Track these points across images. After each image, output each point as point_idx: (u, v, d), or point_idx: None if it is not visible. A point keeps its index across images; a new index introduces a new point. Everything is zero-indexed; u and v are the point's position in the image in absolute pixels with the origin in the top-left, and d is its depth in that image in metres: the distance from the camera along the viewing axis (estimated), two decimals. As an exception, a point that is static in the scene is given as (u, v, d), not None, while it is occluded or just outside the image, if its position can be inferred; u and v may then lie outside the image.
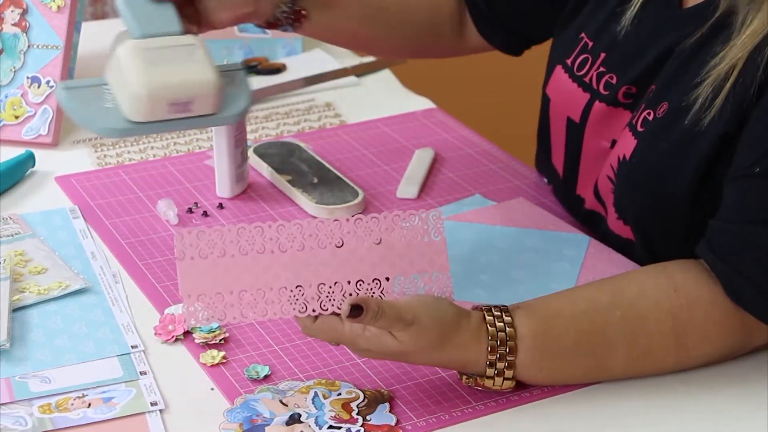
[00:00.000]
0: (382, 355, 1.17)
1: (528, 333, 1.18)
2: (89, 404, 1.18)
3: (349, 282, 1.16)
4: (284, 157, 1.63)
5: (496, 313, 1.18)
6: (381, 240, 1.17)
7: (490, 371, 1.17)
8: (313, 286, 1.15)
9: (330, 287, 1.15)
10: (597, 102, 1.40)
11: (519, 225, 1.45)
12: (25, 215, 1.51)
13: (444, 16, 1.58)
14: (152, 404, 1.19)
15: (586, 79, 1.42)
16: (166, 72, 1.25)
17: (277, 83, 1.87)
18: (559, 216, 1.51)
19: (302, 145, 1.66)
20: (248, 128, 1.71)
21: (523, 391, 1.21)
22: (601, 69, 1.40)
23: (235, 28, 1.93)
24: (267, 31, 1.93)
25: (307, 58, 1.96)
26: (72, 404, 1.19)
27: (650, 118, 1.31)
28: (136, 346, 1.27)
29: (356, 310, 1.11)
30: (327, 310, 1.15)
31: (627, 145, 1.33)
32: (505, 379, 1.18)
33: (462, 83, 2.65)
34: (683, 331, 1.20)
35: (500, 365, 1.17)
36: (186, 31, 1.28)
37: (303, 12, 1.42)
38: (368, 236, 1.17)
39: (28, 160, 1.62)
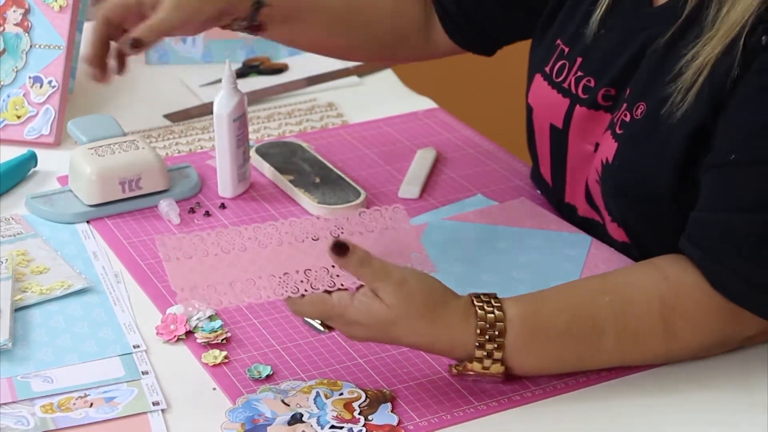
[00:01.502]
0: (371, 330, 1.16)
1: (517, 316, 1.17)
2: (91, 404, 1.18)
3: (333, 266, 1.17)
4: (286, 157, 1.63)
5: (484, 299, 1.18)
6: (353, 233, 1.20)
7: (479, 353, 1.17)
8: (300, 272, 1.18)
9: (316, 271, 1.18)
10: (578, 106, 1.40)
11: (521, 225, 1.45)
12: (26, 215, 1.51)
13: (408, 20, 1.58)
14: (154, 404, 1.19)
15: (565, 85, 1.42)
16: (112, 158, 1.52)
17: (279, 83, 1.87)
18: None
19: (304, 144, 1.66)
20: (250, 128, 1.71)
21: (524, 390, 1.21)
22: (579, 73, 1.41)
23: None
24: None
25: (309, 58, 1.95)
26: (74, 404, 1.19)
27: (627, 119, 1.31)
28: (138, 346, 1.27)
29: (342, 248, 1.13)
30: (318, 289, 1.17)
31: (609, 148, 1.33)
32: (494, 360, 1.17)
33: (464, 83, 2.65)
34: (671, 316, 1.19)
35: (489, 346, 1.17)
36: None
37: (261, 26, 1.45)
38: (342, 231, 1.20)
39: (30, 160, 1.62)
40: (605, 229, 1.40)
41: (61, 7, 1.71)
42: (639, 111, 1.29)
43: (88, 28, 1.87)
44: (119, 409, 1.18)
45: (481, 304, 1.17)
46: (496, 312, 1.17)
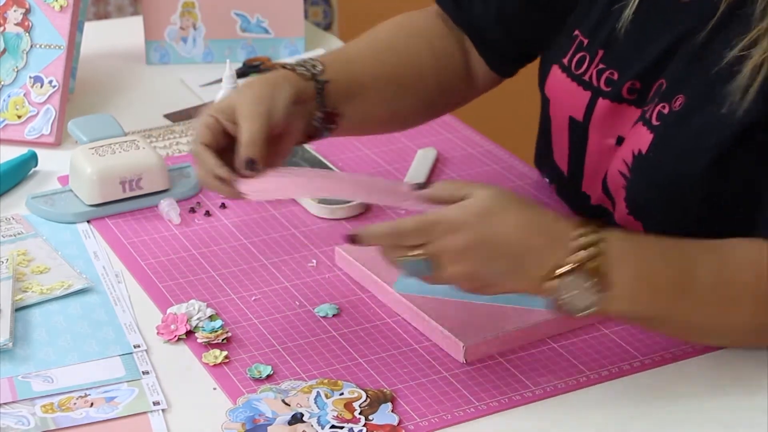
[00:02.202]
0: (469, 230, 1.15)
1: (619, 231, 1.20)
2: (92, 404, 1.18)
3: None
4: (287, 156, 1.62)
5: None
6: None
7: (581, 240, 1.15)
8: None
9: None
10: (600, 99, 1.39)
11: None
12: (27, 215, 1.51)
13: (451, 71, 1.54)
14: (155, 404, 1.19)
15: (586, 78, 1.41)
16: (113, 158, 1.52)
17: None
18: (562, 210, 1.51)
19: (304, 144, 1.65)
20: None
21: (524, 390, 1.21)
22: (600, 66, 1.40)
23: (238, 27, 1.94)
24: (270, 30, 1.94)
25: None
26: (74, 404, 1.19)
27: (666, 111, 1.31)
28: (139, 346, 1.27)
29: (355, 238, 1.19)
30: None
31: (642, 139, 1.32)
32: (592, 262, 1.14)
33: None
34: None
35: (592, 237, 1.16)
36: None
37: (335, 111, 1.40)
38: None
39: (31, 159, 1.62)
40: (613, 218, 1.40)
41: (61, 6, 1.71)
42: (678, 103, 1.29)
43: (89, 28, 1.89)
44: (119, 409, 1.18)
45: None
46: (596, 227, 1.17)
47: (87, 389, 1.21)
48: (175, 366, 1.25)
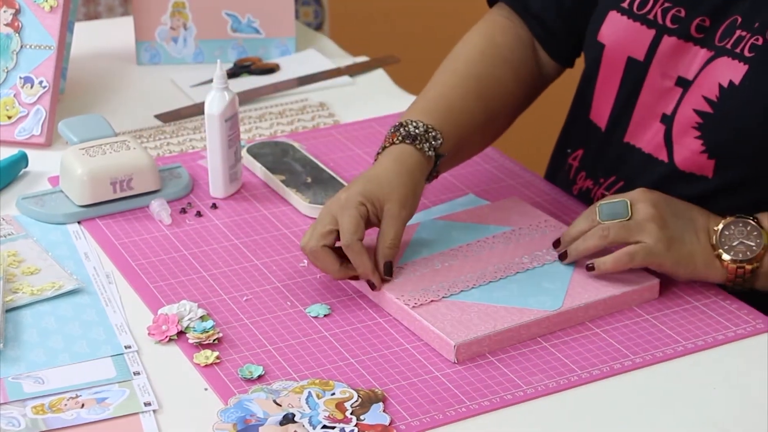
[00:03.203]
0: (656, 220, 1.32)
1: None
2: (82, 405, 1.18)
3: (514, 258, 1.38)
4: (278, 156, 1.62)
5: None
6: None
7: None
8: (490, 267, 1.37)
9: (504, 263, 1.38)
10: (666, 36, 1.43)
11: (512, 224, 1.45)
12: (17, 216, 1.51)
13: (528, 80, 1.58)
14: (146, 404, 1.19)
15: (650, 16, 1.44)
16: (103, 159, 1.52)
17: (270, 83, 1.87)
18: (555, 209, 1.52)
19: (296, 144, 1.66)
20: (242, 128, 1.71)
21: (516, 390, 1.21)
22: (666, 4, 1.43)
23: (228, 27, 1.94)
24: (261, 31, 1.94)
25: (300, 58, 1.96)
26: (65, 405, 1.18)
27: (759, 43, 1.34)
28: (130, 347, 1.27)
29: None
30: (513, 272, 1.36)
31: (731, 71, 1.36)
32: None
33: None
34: None
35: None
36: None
37: (438, 174, 1.45)
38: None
39: (21, 160, 1.62)
40: (671, 165, 1.43)
41: (51, 7, 1.71)
42: None
43: (79, 29, 1.89)
44: (110, 410, 1.18)
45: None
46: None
47: (78, 390, 1.21)
48: (166, 366, 1.25)
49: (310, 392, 1.19)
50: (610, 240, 1.33)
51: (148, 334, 1.29)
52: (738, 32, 1.36)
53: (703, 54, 1.40)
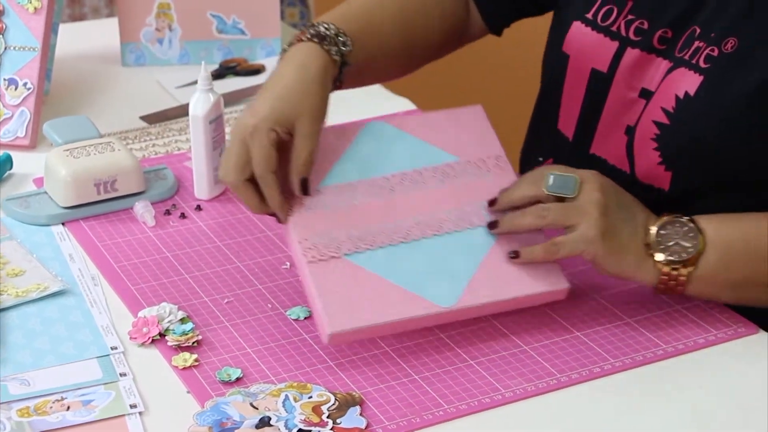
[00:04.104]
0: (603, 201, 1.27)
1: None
2: (68, 407, 1.18)
3: (440, 210, 1.30)
4: (262, 158, 1.62)
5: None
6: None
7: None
8: (410, 219, 1.30)
9: (425, 216, 1.30)
10: (629, 49, 1.42)
11: (460, 152, 1.37)
12: (2, 218, 1.51)
13: (454, 17, 1.56)
14: (132, 406, 1.19)
15: (614, 28, 1.44)
16: (87, 160, 1.52)
17: (256, 84, 1.87)
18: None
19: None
20: (227, 129, 1.71)
21: (494, 393, 1.21)
22: (630, 17, 1.43)
23: (214, 28, 1.94)
24: (246, 32, 1.94)
25: (286, 58, 1.96)
26: (51, 407, 1.19)
27: (715, 54, 1.34)
28: (116, 348, 1.27)
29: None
30: (428, 234, 1.28)
31: (687, 82, 1.35)
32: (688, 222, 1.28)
33: (441, 83, 2.66)
34: None
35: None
36: None
37: (342, 84, 1.41)
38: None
39: (6, 162, 1.62)
40: (632, 176, 1.42)
41: (35, 8, 1.71)
42: (729, 45, 1.33)
43: (64, 30, 1.88)
44: (96, 413, 1.18)
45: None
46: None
47: (63, 392, 1.21)
48: (151, 368, 1.25)
49: (287, 395, 1.19)
50: (548, 222, 1.28)
51: (130, 338, 1.29)
52: (696, 43, 1.36)
53: (664, 65, 1.39)
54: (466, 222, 1.32)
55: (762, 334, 1.31)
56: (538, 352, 1.27)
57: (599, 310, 1.33)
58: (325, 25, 1.36)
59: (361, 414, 1.18)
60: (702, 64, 1.35)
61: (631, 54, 1.42)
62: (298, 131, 1.29)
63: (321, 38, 1.35)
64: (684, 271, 1.27)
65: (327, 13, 1.43)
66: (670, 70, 1.38)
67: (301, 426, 1.15)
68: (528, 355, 1.27)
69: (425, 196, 1.33)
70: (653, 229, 1.29)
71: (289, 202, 1.29)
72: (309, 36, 1.35)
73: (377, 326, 1.24)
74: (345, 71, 1.38)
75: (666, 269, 1.27)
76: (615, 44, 1.43)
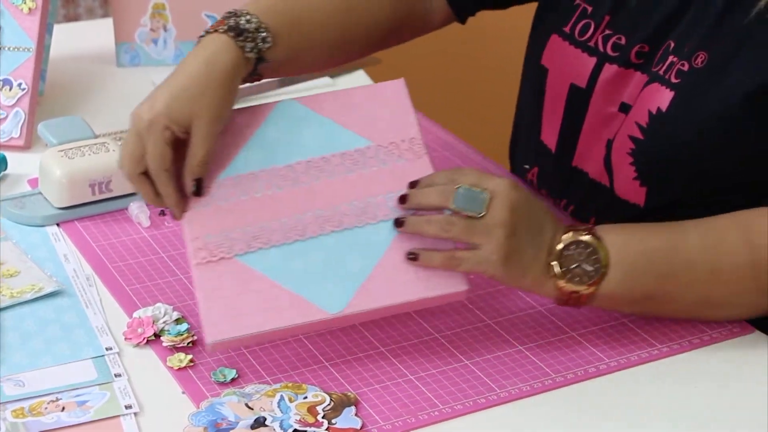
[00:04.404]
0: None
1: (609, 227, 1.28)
2: (63, 408, 1.18)
3: (343, 203, 1.26)
4: (256, 158, 1.62)
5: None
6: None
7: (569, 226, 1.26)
8: (310, 213, 1.25)
9: (326, 210, 1.25)
10: (607, 65, 1.41)
11: (374, 135, 1.31)
12: (-3, 219, 1.52)
13: (409, 18, 1.52)
14: (127, 407, 1.19)
15: (591, 43, 1.43)
16: (82, 161, 1.52)
17: (251, 85, 1.86)
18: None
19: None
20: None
21: (489, 393, 1.21)
22: (607, 32, 1.42)
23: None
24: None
25: (281, 58, 1.96)
26: (45, 408, 1.18)
27: (686, 69, 1.32)
28: (111, 348, 1.27)
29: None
30: (326, 231, 1.24)
31: (660, 97, 1.34)
32: (587, 231, 1.25)
33: (436, 84, 2.66)
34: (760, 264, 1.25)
35: (581, 226, 1.26)
36: None
37: (260, 77, 1.35)
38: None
39: (0, 163, 1.62)
40: (611, 191, 1.41)
41: (30, 9, 1.71)
42: (699, 60, 1.31)
43: (59, 30, 1.88)
44: (91, 413, 1.18)
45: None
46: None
47: (58, 393, 1.21)
48: (146, 369, 1.25)
49: (282, 396, 1.19)
50: (451, 236, 1.23)
51: (125, 338, 1.29)
52: (670, 57, 1.35)
53: (641, 79, 1.38)
54: (369, 216, 1.27)
55: (757, 333, 1.31)
56: (533, 352, 1.27)
57: (594, 310, 1.33)
58: (247, 17, 1.30)
59: (356, 414, 1.18)
60: (674, 80, 1.33)
61: (609, 70, 1.41)
62: (194, 131, 1.25)
63: (238, 32, 1.28)
64: (585, 290, 1.25)
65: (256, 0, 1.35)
66: (645, 85, 1.37)
67: (297, 426, 1.15)
68: (523, 355, 1.27)
69: (330, 187, 1.28)
70: (557, 248, 1.25)
71: (186, 197, 1.26)
72: (225, 28, 1.28)
73: (261, 334, 1.22)
74: (264, 66, 1.32)
75: (566, 290, 1.25)
76: (593, 60, 1.42)
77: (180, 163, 1.26)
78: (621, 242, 1.26)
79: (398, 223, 1.26)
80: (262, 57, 1.31)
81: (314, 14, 1.38)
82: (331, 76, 1.91)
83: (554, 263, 1.24)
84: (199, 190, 1.26)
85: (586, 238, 1.25)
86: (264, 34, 1.30)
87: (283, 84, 1.88)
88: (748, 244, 1.25)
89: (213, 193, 1.27)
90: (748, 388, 1.23)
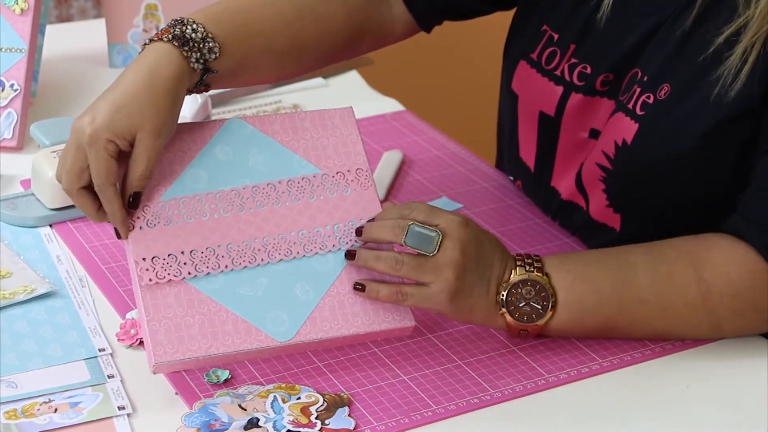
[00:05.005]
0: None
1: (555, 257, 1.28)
2: (56, 409, 1.18)
3: (291, 231, 1.25)
4: (249, 159, 1.62)
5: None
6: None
7: (520, 263, 1.25)
8: (258, 239, 1.24)
9: (274, 238, 1.25)
10: (573, 94, 1.40)
11: (321, 163, 1.30)
12: (-11, 219, 1.51)
13: (366, 27, 1.47)
14: (120, 408, 1.19)
15: (557, 72, 1.42)
16: None
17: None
18: (527, 212, 1.52)
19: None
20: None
21: (482, 393, 1.21)
22: (573, 60, 1.41)
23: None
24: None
25: (274, 59, 1.96)
26: (38, 409, 1.18)
27: (650, 101, 1.31)
28: (104, 349, 1.27)
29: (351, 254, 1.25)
30: (275, 259, 1.24)
31: (625, 129, 1.33)
32: (536, 268, 1.25)
33: (429, 84, 2.66)
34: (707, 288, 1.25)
35: (528, 259, 1.26)
36: None
37: (208, 87, 1.32)
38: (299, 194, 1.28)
39: (-6, 164, 1.62)
40: (587, 213, 1.41)
41: (22, 10, 1.70)
42: (663, 92, 1.31)
43: (51, 31, 1.88)
44: (84, 414, 1.18)
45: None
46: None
47: (51, 394, 1.20)
48: (139, 370, 1.25)
49: (275, 396, 1.19)
50: (401, 274, 1.22)
51: (118, 340, 1.29)
52: (635, 87, 1.34)
53: (608, 105, 1.38)
54: (317, 246, 1.27)
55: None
56: (527, 353, 1.27)
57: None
58: (193, 26, 1.26)
59: (349, 415, 1.18)
60: (639, 111, 1.32)
61: (576, 98, 1.40)
62: (138, 142, 1.21)
63: (183, 42, 1.24)
64: (534, 327, 1.26)
65: (204, 8, 1.31)
66: (613, 112, 1.36)
67: (290, 427, 1.15)
68: (516, 355, 1.27)
69: (276, 214, 1.27)
70: (507, 284, 1.24)
71: (130, 214, 1.23)
72: (169, 37, 1.24)
73: (207, 358, 1.21)
74: (210, 77, 1.29)
75: (515, 326, 1.26)
76: (560, 89, 1.41)
77: (123, 181, 1.23)
78: (570, 280, 1.25)
79: (349, 255, 1.25)
80: (208, 68, 1.27)
81: (262, 24, 1.34)
82: (324, 77, 1.91)
83: (502, 300, 1.24)
84: (135, 203, 1.22)
85: (535, 276, 1.25)
86: (211, 45, 1.27)
87: (275, 84, 1.88)
88: (698, 280, 1.25)
89: (158, 213, 1.24)
90: (747, 387, 1.23)
